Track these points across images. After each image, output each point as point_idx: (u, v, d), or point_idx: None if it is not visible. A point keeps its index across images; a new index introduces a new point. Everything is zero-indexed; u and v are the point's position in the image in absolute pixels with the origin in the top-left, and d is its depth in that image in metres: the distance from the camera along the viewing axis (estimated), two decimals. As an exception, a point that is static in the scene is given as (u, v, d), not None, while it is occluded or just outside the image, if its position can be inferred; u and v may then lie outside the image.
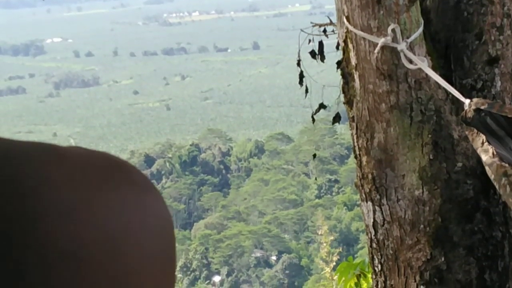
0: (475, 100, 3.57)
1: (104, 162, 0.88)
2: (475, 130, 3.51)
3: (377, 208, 4.14)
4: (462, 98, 3.62)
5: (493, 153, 3.46)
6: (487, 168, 3.51)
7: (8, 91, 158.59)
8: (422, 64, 3.68)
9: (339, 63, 4.32)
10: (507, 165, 3.38)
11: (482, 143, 3.49)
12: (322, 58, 5.49)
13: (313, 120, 5.84)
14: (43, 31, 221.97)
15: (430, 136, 3.90)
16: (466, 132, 3.58)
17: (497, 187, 3.48)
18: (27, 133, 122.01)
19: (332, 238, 16.17)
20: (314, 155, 8.02)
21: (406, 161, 3.96)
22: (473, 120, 3.54)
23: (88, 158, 0.88)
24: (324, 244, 13.80)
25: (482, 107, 3.52)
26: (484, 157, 3.48)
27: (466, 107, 3.56)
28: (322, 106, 5.62)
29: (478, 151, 3.51)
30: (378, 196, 4.11)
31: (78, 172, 0.85)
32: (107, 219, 0.83)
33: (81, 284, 0.79)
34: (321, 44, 5.44)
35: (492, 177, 3.49)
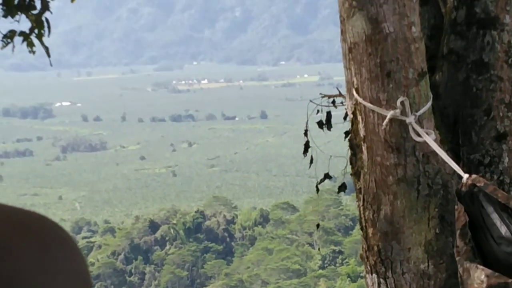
0: (473, 176, 3.59)
1: (22, 215, 0.92)
2: (463, 209, 3.54)
3: (382, 280, 4.12)
4: (461, 173, 3.64)
5: (468, 240, 3.50)
6: (455, 249, 3.56)
7: (16, 153, 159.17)
8: (427, 137, 3.69)
9: (347, 133, 4.33)
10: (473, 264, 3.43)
11: (464, 226, 3.52)
12: (329, 127, 5.52)
13: (317, 189, 5.83)
14: (53, 94, 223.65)
15: (436, 210, 3.89)
16: (456, 207, 3.59)
17: (460, 270, 3.52)
18: (33, 196, 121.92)
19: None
20: (318, 225, 7.99)
21: (412, 234, 3.95)
22: (466, 193, 3.57)
23: (5, 211, 0.92)
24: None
25: (478, 184, 3.55)
26: (459, 242, 3.51)
27: (463, 181, 3.59)
28: (327, 176, 5.63)
29: (457, 233, 3.54)
30: (383, 269, 4.08)
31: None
32: (23, 261, 0.87)
33: None
34: (329, 114, 5.47)
35: (457, 258, 3.53)
